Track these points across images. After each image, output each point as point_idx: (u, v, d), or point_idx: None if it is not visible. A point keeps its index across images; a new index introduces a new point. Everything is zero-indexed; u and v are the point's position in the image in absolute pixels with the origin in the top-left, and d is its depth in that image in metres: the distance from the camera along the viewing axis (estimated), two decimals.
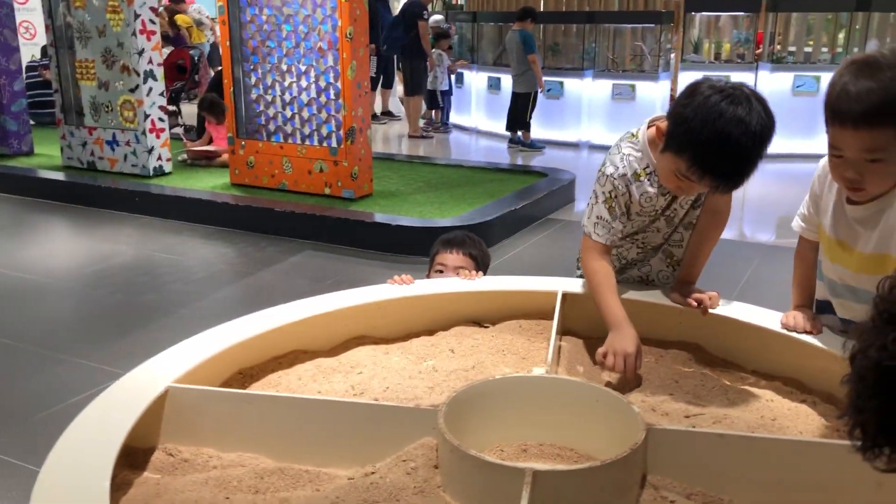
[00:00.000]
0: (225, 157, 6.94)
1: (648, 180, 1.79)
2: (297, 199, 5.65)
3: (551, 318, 2.00)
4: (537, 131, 9.07)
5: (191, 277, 4.49)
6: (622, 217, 1.83)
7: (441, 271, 2.27)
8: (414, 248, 4.71)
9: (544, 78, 8.93)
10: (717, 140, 1.51)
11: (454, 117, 10.70)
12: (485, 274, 2.20)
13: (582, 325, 1.92)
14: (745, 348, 1.80)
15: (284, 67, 5.77)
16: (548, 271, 4.54)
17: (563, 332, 1.92)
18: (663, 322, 1.91)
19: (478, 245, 2.38)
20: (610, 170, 1.80)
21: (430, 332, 1.99)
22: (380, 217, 5.18)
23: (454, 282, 2.08)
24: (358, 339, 1.94)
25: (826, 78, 8.20)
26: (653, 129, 1.76)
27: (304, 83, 5.72)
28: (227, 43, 5.83)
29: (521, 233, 5.38)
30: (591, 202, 1.85)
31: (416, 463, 1.33)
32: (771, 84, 8.44)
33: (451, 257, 2.29)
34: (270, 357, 1.80)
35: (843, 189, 1.55)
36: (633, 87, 8.88)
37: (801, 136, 8.27)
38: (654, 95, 8.88)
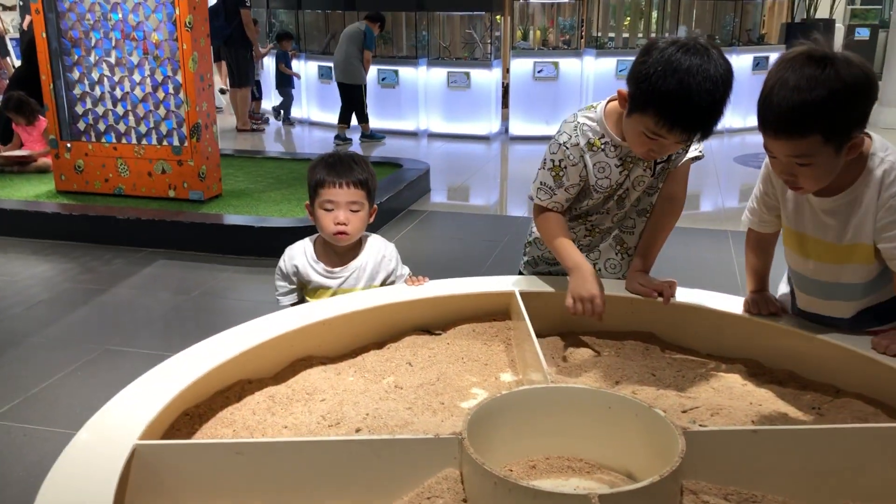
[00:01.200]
0: (42, 161, 6.25)
1: (604, 151, 1.79)
2: (139, 203, 5.19)
3: (504, 320, 1.94)
4: (375, 121, 8.94)
5: (31, 300, 3.98)
6: (570, 188, 1.85)
7: (330, 209, 2.03)
8: (279, 250, 4.45)
9: (379, 67, 8.82)
10: (679, 90, 1.52)
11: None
12: (372, 199, 2.11)
13: (545, 323, 1.86)
14: (700, 333, 1.82)
15: (113, 60, 5.25)
16: (427, 266, 4.51)
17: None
18: (615, 312, 1.89)
19: (365, 167, 2.10)
20: (563, 138, 1.81)
21: (380, 346, 1.86)
22: (238, 219, 4.86)
23: (400, 290, 1.95)
24: (304, 361, 1.76)
25: None
26: (613, 103, 1.76)
27: (137, 77, 5.24)
28: (43, 34, 5.21)
29: (386, 227, 5.26)
30: (540, 167, 1.87)
31: (444, 499, 1.21)
32: (596, 68, 8.85)
33: (342, 192, 2.03)
34: (214, 392, 1.59)
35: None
36: (467, 74, 8.97)
37: None
38: (489, 82, 9.03)
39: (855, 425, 1.26)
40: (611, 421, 1.36)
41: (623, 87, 1.66)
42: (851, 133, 1.40)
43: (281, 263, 2.16)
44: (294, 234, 4.45)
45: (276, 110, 10.29)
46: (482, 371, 1.76)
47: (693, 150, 1.82)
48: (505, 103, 9.35)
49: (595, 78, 8.88)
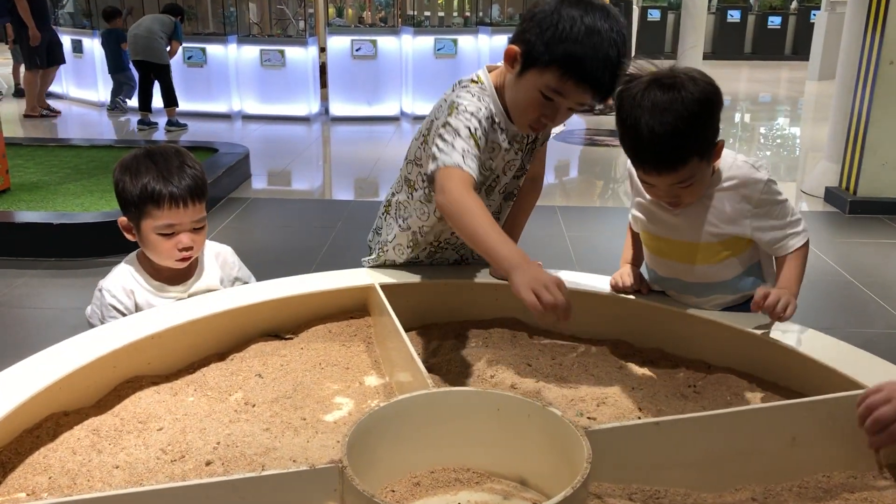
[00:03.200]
0: None
1: (497, 127, 1.61)
2: None
3: (362, 317, 1.76)
4: (183, 104, 8.31)
5: None
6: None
7: (170, 234, 1.67)
8: (84, 249, 3.99)
9: (185, 45, 8.22)
10: (589, 38, 1.40)
11: (76, 91, 9.42)
12: (204, 198, 1.70)
13: (406, 317, 1.71)
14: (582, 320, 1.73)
15: None
16: (259, 258, 4.21)
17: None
18: (480, 301, 1.78)
19: (197, 166, 1.72)
20: (471, 107, 1.53)
21: (222, 357, 1.62)
22: (32, 216, 4.30)
23: (241, 292, 1.71)
24: (131, 383, 1.50)
25: (463, 41, 8.78)
26: (494, 75, 1.60)
27: None
28: None
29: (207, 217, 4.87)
30: (448, 139, 1.49)
31: None
32: (414, 46, 8.77)
33: (185, 213, 1.65)
34: (22, 430, 1.30)
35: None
36: (282, 52, 8.58)
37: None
38: (306, 60, 8.69)
39: (753, 406, 1.22)
40: (500, 424, 1.23)
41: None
42: (716, 142, 1.47)
43: (103, 308, 1.71)
44: (101, 231, 4.02)
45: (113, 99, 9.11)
46: (343, 376, 1.58)
47: (556, 127, 1.72)
48: (323, 83, 9.05)
49: (414, 56, 8.80)
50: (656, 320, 1.68)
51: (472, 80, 1.61)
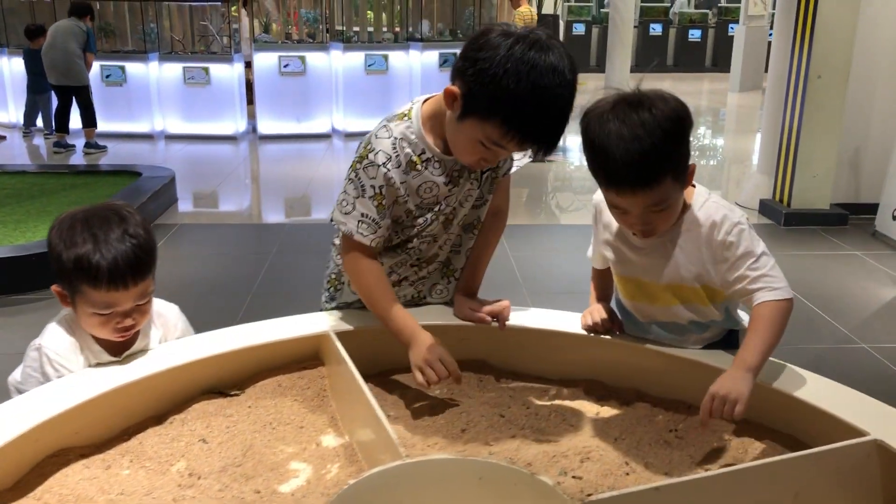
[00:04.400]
0: None
1: (428, 170, 1.50)
2: None
3: (315, 367, 1.62)
4: (102, 124, 7.92)
5: None
6: (390, 214, 1.53)
7: (107, 314, 1.45)
8: (22, 284, 3.66)
9: (102, 63, 7.87)
10: (536, 96, 1.30)
11: None
12: (150, 272, 1.48)
13: (364, 365, 1.57)
14: (540, 355, 1.63)
15: None
16: (192, 290, 3.98)
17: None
18: (445, 343, 1.65)
19: (141, 226, 1.48)
20: (381, 158, 1.47)
21: (160, 420, 1.45)
22: None
23: (178, 348, 1.54)
24: (56, 458, 1.32)
25: (394, 57, 8.67)
26: (429, 105, 1.49)
27: None
28: None
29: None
30: (351, 194, 1.50)
31: None
32: (345, 63, 8.62)
33: (126, 295, 1.44)
34: None
35: (633, 233, 1.48)
36: (206, 69, 8.30)
37: (377, 112, 8.64)
38: (231, 77, 8.43)
39: (753, 464, 1.13)
40: (484, 496, 1.11)
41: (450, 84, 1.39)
42: (688, 164, 1.39)
43: (45, 369, 1.49)
44: (17, 266, 3.72)
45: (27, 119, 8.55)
46: (298, 437, 1.43)
47: (520, 158, 1.61)
48: (250, 100, 8.80)
49: (345, 72, 8.64)
50: (631, 360, 1.58)
51: (401, 115, 1.51)
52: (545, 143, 1.36)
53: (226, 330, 1.60)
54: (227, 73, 8.40)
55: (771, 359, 1.46)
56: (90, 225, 1.44)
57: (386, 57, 8.62)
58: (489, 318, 1.59)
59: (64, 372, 1.49)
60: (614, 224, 1.52)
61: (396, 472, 1.10)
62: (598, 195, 1.54)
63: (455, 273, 1.68)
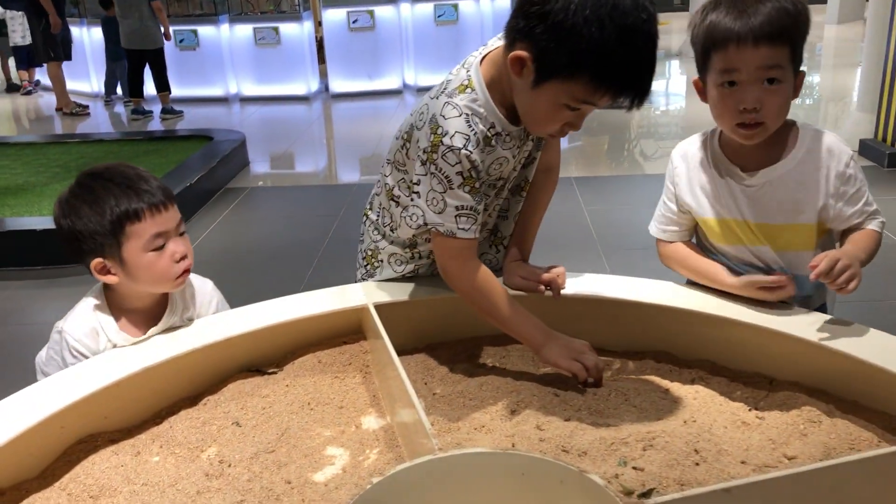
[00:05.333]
0: None
1: (497, 142, 1.34)
2: None
3: (357, 341, 1.51)
4: (176, 90, 8.02)
5: None
6: (484, 194, 1.39)
7: (161, 246, 1.40)
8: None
9: (175, 27, 7.92)
10: (624, 39, 1.14)
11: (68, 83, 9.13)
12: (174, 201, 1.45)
13: (407, 338, 1.46)
14: (595, 327, 1.48)
15: None
16: (255, 256, 3.97)
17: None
18: None
19: (153, 176, 1.46)
20: (459, 140, 1.28)
21: (194, 402, 1.38)
22: (17, 222, 4.06)
23: (212, 324, 1.46)
24: (85, 444, 1.27)
25: (463, 6, 8.40)
26: (487, 69, 1.32)
27: None
28: None
29: (203, 211, 4.62)
30: (437, 189, 1.32)
31: None
32: (414, 15, 8.43)
33: (168, 216, 1.41)
34: None
35: (736, 133, 1.39)
36: (276, 29, 8.26)
37: (449, 65, 8.41)
38: (301, 36, 8.37)
39: (852, 458, 0.96)
40: (527, 494, 0.98)
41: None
42: (801, 63, 1.37)
43: (64, 354, 1.43)
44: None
45: (107, 88, 8.74)
46: (337, 418, 1.33)
47: None
48: (321, 58, 8.73)
49: (414, 25, 8.45)
50: (705, 329, 1.42)
51: (462, 86, 1.32)
52: (641, 91, 1.20)
53: (262, 304, 1.51)
54: (296, 32, 8.34)
55: (866, 326, 1.29)
56: (104, 178, 1.40)
57: (456, 7, 8.37)
58: (543, 288, 1.44)
59: (82, 359, 1.44)
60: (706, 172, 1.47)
61: (426, 468, 0.98)
62: (681, 148, 1.52)
63: (504, 240, 1.53)
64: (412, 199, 1.37)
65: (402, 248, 1.52)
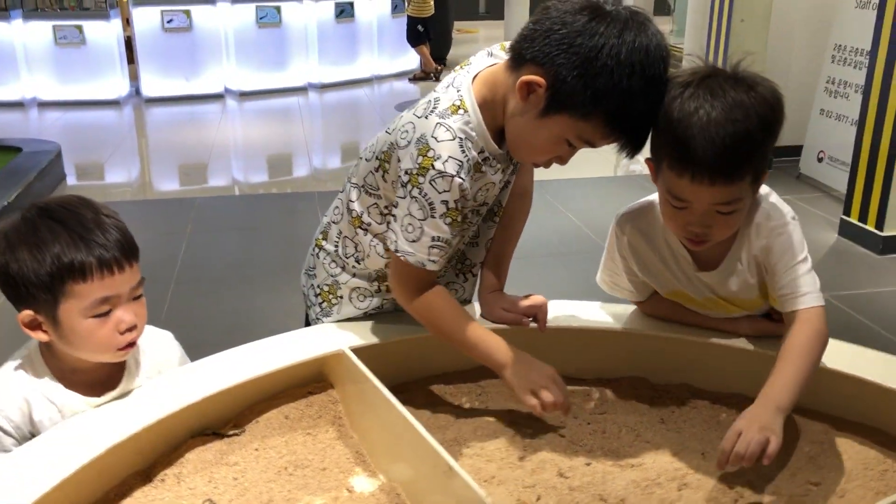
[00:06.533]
0: None
1: (486, 167, 1.25)
2: None
3: (322, 391, 1.36)
4: None
5: None
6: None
7: (107, 312, 1.16)
8: None
9: None
10: (647, 90, 1.11)
11: None
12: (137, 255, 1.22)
13: (392, 369, 1.33)
14: (565, 355, 1.43)
15: None
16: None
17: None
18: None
19: (114, 215, 1.22)
20: (452, 167, 1.17)
21: (146, 477, 1.17)
22: None
23: (159, 389, 1.24)
24: None
25: (287, 8, 8.13)
26: (479, 89, 1.22)
27: None
28: None
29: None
30: (416, 216, 1.21)
31: None
32: (234, 16, 8.03)
33: (122, 279, 1.17)
34: None
35: (681, 239, 1.27)
36: (79, 27, 7.53)
37: (269, 69, 8.12)
38: (109, 36, 7.69)
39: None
40: None
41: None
42: (766, 167, 1.19)
43: None
44: None
45: None
46: (323, 482, 1.19)
47: None
48: (130, 59, 8.08)
49: (235, 27, 8.05)
50: (677, 352, 1.41)
51: (454, 107, 1.21)
52: (643, 142, 1.16)
53: (211, 358, 1.32)
54: (104, 32, 7.66)
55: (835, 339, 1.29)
56: (54, 216, 1.15)
57: (279, 9, 8.08)
58: (527, 320, 1.37)
59: (14, 422, 1.19)
60: (656, 252, 1.34)
61: None
62: (630, 222, 1.35)
63: (473, 268, 1.44)
64: (390, 222, 1.26)
65: (367, 282, 1.39)
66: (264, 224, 4.37)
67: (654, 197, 1.31)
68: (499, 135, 1.25)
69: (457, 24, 10.55)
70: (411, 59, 9.46)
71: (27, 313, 1.16)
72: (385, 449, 1.21)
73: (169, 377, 1.27)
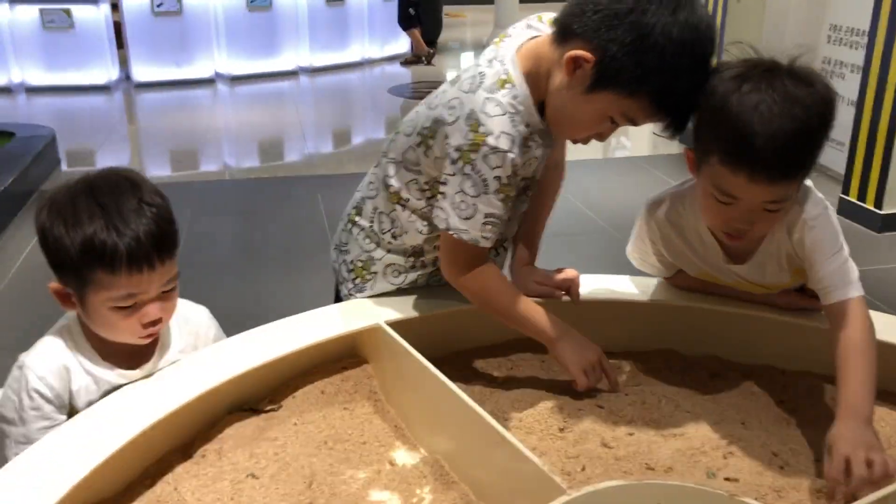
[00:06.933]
0: None
1: (532, 142, 1.24)
2: None
3: (356, 366, 1.35)
4: None
5: None
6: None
7: (130, 306, 1.14)
8: None
9: None
10: (695, 68, 1.11)
11: None
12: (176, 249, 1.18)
13: (425, 343, 1.33)
14: (597, 328, 1.43)
15: None
16: None
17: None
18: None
19: (159, 202, 1.16)
20: (505, 142, 1.17)
21: (186, 453, 1.16)
22: None
23: (196, 366, 1.23)
24: None
25: None
26: (524, 62, 1.21)
27: None
28: None
29: (18, 221, 3.99)
30: (469, 192, 1.20)
31: None
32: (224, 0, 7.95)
33: (153, 277, 1.13)
34: None
35: (720, 234, 1.26)
36: (67, 11, 7.42)
37: (260, 53, 8.06)
38: (98, 20, 7.59)
39: None
40: None
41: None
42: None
43: (21, 395, 1.16)
44: None
45: None
46: (364, 455, 1.19)
47: None
48: (119, 44, 7.98)
49: (225, 10, 7.96)
50: (705, 324, 1.42)
51: (501, 81, 1.19)
52: (686, 121, 1.16)
53: (246, 335, 1.31)
54: (93, 15, 7.55)
55: None
56: (96, 195, 1.12)
57: None
58: (560, 293, 1.37)
59: (40, 403, 1.17)
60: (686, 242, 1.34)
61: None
62: (660, 212, 1.33)
63: (504, 243, 1.44)
64: (438, 200, 1.25)
65: (403, 257, 1.39)
66: (261, 208, 4.35)
67: (684, 188, 1.31)
68: (539, 109, 1.24)
69: (445, 9, 10.48)
70: (403, 42, 9.41)
71: (55, 284, 1.15)
72: (425, 422, 1.21)
73: (205, 353, 1.26)
